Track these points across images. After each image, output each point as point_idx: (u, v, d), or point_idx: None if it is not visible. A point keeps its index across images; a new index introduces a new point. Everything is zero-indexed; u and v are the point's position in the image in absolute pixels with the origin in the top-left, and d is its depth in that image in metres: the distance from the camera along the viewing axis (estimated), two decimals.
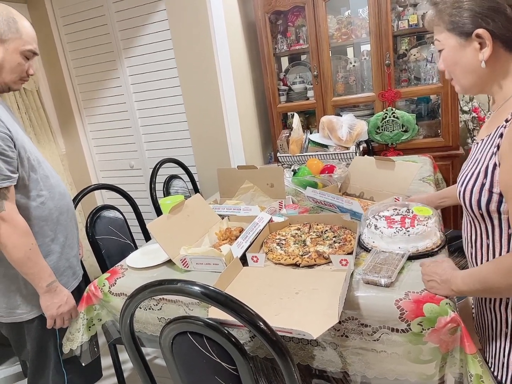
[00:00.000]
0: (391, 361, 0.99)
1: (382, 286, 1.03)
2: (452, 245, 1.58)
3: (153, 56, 2.57)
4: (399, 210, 1.33)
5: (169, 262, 1.36)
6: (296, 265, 1.22)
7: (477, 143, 0.98)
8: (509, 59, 0.89)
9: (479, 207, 0.90)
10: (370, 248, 1.21)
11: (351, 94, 2.63)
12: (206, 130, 2.55)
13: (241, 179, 1.88)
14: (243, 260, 1.27)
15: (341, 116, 2.40)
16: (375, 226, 1.23)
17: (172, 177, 2.43)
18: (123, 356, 1.55)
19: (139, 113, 2.76)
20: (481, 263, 0.96)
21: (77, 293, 1.40)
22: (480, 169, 0.90)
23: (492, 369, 0.97)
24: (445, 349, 0.94)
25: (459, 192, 0.95)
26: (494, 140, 0.88)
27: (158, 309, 1.23)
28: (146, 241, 1.83)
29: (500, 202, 0.86)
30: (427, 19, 0.97)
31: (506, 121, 0.85)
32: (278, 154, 2.38)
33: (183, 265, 1.30)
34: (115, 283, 1.31)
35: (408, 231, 1.16)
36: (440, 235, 1.21)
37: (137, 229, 2.07)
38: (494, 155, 0.87)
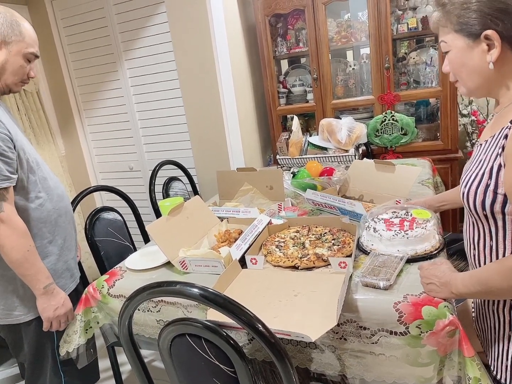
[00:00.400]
0: (389, 364, 0.99)
1: (380, 288, 1.03)
2: (451, 248, 1.58)
3: (153, 58, 2.58)
4: (398, 213, 1.33)
5: (168, 264, 1.36)
6: (295, 268, 1.22)
7: (481, 145, 0.97)
8: None
9: (483, 208, 0.89)
10: (369, 251, 1.21)
11: (350, 97, 2.64)
12: (205, 132, 2.56)
13: (241, 182, 1.88)
14: (242, 262, 1.27)
15: (341, 119, 2.40)
16: (374, 229, 1.23)
17: (172, 179, 2.43)
18: (121, 358, 1.55)
19: (139, 115, 2.76)
20: (484, 264, 0.96)
21: (75, 295, 1.39)
22: (485, 170, 0.89)
23: (494, 372, 0.97)
24: (443, 352, 0.94)
25: (463, 193, 0.94)
26: (498, 141, 0.88)
27: (157, 311, 1.23)
28: (145, 243, 1.83)
29: (504, 203, 0.86)
30: (433, 20, 0.96)
31: (511, 122, 0.85)
32: (278, 157, 2.38)
33: (182, 267, 1.30)
34: (114, 285, 1.31)
35: (407, 234, 1.17)
36: (439, 238, 1.21)
37: (136, 231, 2.07)
38: (499, 156, 0.86)
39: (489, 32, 0.84)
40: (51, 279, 1.26)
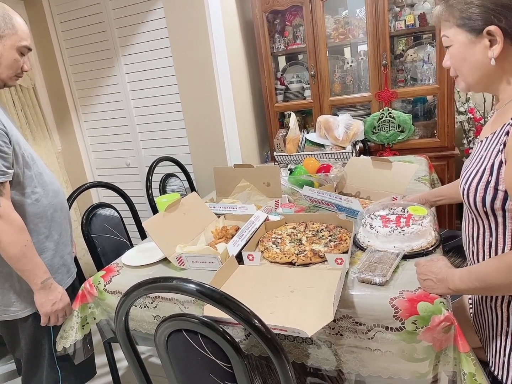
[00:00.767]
0: (385, 359, 0.99)
1: (377, 284, 1.03)
2: (447, 245, 1.59)
3: (150, 54, 2.56)
4: (395, 209, 1.33)
5: (164, 260, 1.36)
6: (291, 264, 1.22)
7: (481, 141, 0.97)
8: None
9: (484, 205, 0.89)
10: (365, 247, 1.21)
11: (348, 94, 2.64)
12: (203, 129, 2.55)
13: (238, 178, 1.88)
14: (239, 258, 1.27)
15: (338, 115, 2.41)
16: (371, 225, 1.24)
17: (169, 175, 2.42)
18: (118, 354, 1.55)
19: (136, 111, 2.75)
20: (483, 260, 0.96)
21: (71, 291, 1.39)
22: (486, 166, 0.89)
23: (492, 369, 0.97)
24: (438, 348, 0.94)
25: (463, 189, 0.94)
26: (500, 137, 0.88)
27: (153, 307, 1.23)
28: (142, 239, 1.83)
29: (505, 200, 0.86)
30: (435, 14, 0.95)
31: None
32: (275, 153, 2.38)
33: (178, 263, 1.30)
34: (111, 281, 1.31)
35: (403, 230, 1.17)
36: (435, 235, 1.22)
37: (133, 227, 2.07)
38: (500, 153, 0.86)
39: (491, 27, 0.84)
40: (49, 274, 1.26)
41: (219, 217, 1.59)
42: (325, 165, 1.91)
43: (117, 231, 1.88)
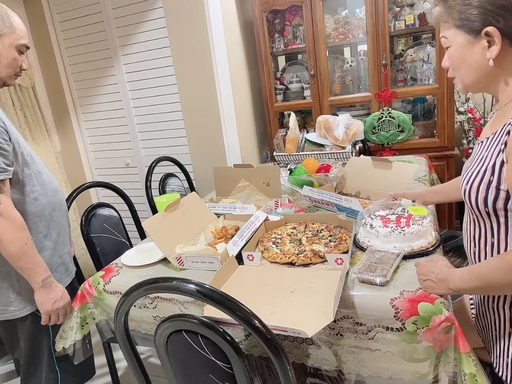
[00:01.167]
0: (385, 359, 0.99)
1: (377, 285, 1.03)
2: (447, 245, 1.59)
3: (150, 53, 2.56)
4: (395, 209, 1.33)
5: (164, 261, 1.36)
6: (291, 264, 1.22)
7: (481, 142, 0.97)
8: None
9: (486, 205, 0.89)
10: (365, 247, 1.21)
11: (347, 93, 2.64)
12: (202, 128, 2.55)
13: (237, 178, 1.88)
14: (239, 258, 1.27)
15: (338, 115, 2.40)
16: (371, 225, 1.23)
17: (168, 175, 2.42)
18: (117, 354, 1.55)
19: (135, 111, 2.75)
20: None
21: (70, 290, 1.39)
22: (487, 166, 0.89)
23: (496, 370, 0.97)
24: (439, 348, 0.94)
25: (464, 190, 0.94)
26: (500, 137, 0.88)
27: (153, 308, 1.23)
28: (141, 239, 1.82)
29: (507, 199, 0.86)
30: (434, 15, 0.96)
31: None
32: (275, 153, 2.38)
33: (178, 263, 1.29)
34: (110, 281, 1.30)
35: (403, 230, 1.17)
36: (435, 235, 1.22)
37: (132, 227, 2.06)
38: (501, 152, 0.86)
39: (489, 28, 0.84)
40: (49, 272, 1.25)
41: (218, 217, 1.58)
42: (325, 165, 1.91)
43: (117, 231, 1.87)
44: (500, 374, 0.96)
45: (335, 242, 1.27)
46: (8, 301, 1.29)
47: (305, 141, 2.37)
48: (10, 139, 1.17)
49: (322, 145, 2.33)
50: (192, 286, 0.81)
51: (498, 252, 0.92)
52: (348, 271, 1.11)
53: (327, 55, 2.52)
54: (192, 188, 2.64)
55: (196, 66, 2.43)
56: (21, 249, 1.17)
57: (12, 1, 2.60)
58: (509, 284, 0.81)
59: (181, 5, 2.34)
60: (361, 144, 2.50)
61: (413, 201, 1.40)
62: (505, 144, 0.85)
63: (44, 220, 1.31)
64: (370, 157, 1.77)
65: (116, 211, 1.92)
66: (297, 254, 1.23)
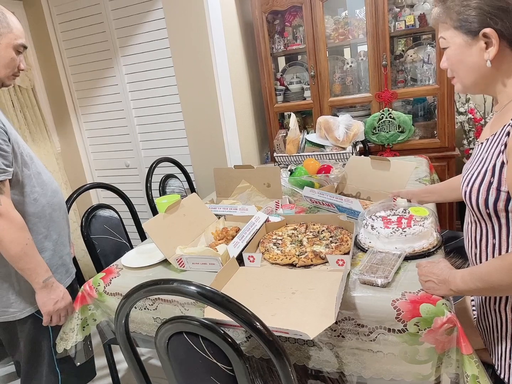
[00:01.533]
0: (387, 361, 0.99)
1: (378, 286, 1.02)
2: (448, 245, 1.59)
3: (150, 54, 2.56)
4: (396, 210, 1.33)
5: (165, 262, 1.35)
6: (292, 265, 1.22)
7: (481, 143, 0.97)
8: None
9: (487, 206, 0.89)
10: (366, 248, 1.21)
11: (347, 94, 2.64)
12: (202, 129, 2.55)
13: (238, 179, 1.88)
14: (240, 260, 1.26)
15: (338, 116, 2.40)
16: (372, 226, 1.23)
17: (168, 176, 2.42)
18: (118, 356, 1.55)
19: (135, 112, 2.75)
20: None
21: (70, 291, 1.38)
22: (487, 168, 0.89)
23: (498, 371, 0.97)
24: (441, 350, 0.94)
25: (465, 192, 0.94)
26: (500, 138, 0.88)
27: (154, 309, 1.22)
28: (142, 241, 1.82)
29: (508, 201, 0.85)
30: (433, 16, 0.96)
31: None
32: (275, 154, 2.37)
33: (179, 264, 1.29)
34: (110, 283, 1.30)
35: (404, 231, 1.16)
36: (436, 236, 1.21)
37: (132, 229, 2.06)
38: (501, 154, 0.86)
39: (487, 30, 0.84)
40: (50, 273, 1.25)
41: (219, 218, 1.58)
42: (325, 166, 1.91)
43: (117, 233, 1.87)
44: (502, 375, 0.95)
45: (336, 243, 1.27)
46: (8, 302, 1.28)
47: (305, 142, 2.37)
48: (9, 140, 1.17)
49: (323, 146, 2.33)
50: (193, 288, 0.81)
51: (499, 253, 0.92)
52: (349, 272, 1.11)
53: (327, 55, 2.52)
54: (192, 189, 2.64)
55: (196, 67, 2.43)
56: (22, 249, 1.16)
57: (11, 2, 2.60)
58: (510, 285, 0.81)
59: (181, 6, 2.34)
60: (361, 145, 2.50)
61: (408, 200, 1.40)
62: (505, 145, 0.85)
63: (44, 221, 1.31)
64: (368, 156, 1.77)
65: (117, 212, 1.92)
66: (298, 255, 1.23)
